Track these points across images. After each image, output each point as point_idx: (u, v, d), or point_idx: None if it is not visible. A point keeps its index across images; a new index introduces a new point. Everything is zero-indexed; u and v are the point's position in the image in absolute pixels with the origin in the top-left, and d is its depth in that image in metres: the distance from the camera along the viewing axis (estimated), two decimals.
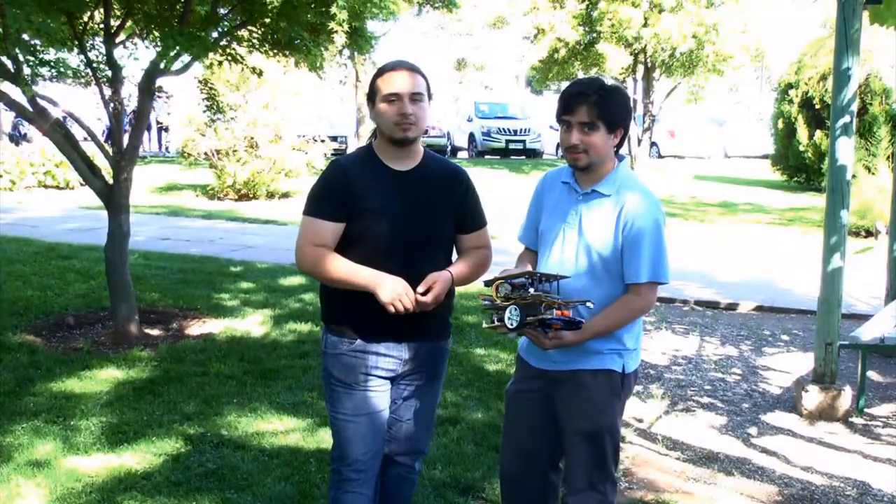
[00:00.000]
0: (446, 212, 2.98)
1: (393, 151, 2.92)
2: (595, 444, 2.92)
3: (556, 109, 2.89)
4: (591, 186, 2.89)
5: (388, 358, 2.94)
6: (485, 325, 2.87)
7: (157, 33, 6.48)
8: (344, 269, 2.84)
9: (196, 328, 6.74)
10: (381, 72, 2.90)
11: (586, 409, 2.90)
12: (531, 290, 2.72)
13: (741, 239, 12.45)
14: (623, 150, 2.99)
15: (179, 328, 6.72)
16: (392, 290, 2.78)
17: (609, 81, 2.88)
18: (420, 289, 2.82)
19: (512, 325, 2.73)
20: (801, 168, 18.56)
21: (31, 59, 5.90)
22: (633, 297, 2.86)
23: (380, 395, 2.98)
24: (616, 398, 2.94)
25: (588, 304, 2.76)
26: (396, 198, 2.89)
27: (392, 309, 2.78)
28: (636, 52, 21.34)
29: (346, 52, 22.12)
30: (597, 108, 2.77)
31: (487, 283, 2.86)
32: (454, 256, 3.09)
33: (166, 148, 27.60)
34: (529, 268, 2.91)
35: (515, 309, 2.72)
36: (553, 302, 2.71)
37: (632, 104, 2.89)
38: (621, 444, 4.61)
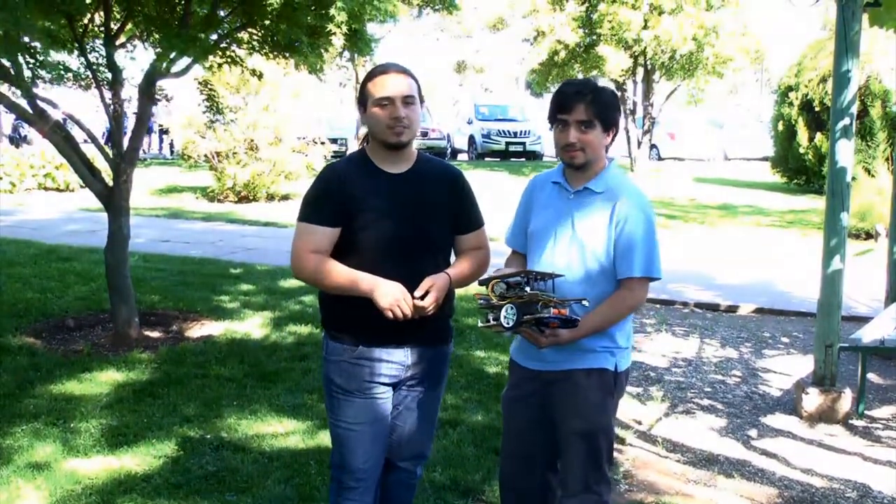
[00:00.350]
0: (443, 213, 2.96)
1: (386, 155, 2.90)
2: (590, 444, 2.92)
3: (549, 109, 2.92)
4: (583, 185, 2.92)
5: (391, 364, 2.91)
6: (480, 324, 2.86)
7: (157, 36, 6.48)
8: (342, 275, 2.81)
9: (196, 330, 6.73)
10: (371, 75, 2.88)
11: (581, 408, 2.91)
12: (527, 289, 2.72)
13: (741, 241, 12.45)
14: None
15: (179, 330, 6.72)
16: (390, 296, 2.75)
17: (599, 82, 2.95)
18: (417, 293, 2.79)
19: (508, 324, 2.72)
20: (801, 170, 18.57)
21: (31, 61, 5.91)
22: (625, 292, 2.88)
23: (382, 403, 2.95)
24: (609, 397, 2.96)
25: (584, 302, 2.77)
26: (392, 201, 2.87)
27: (390, 315, 2.76)
28: (636, 54, 21.35)
29: (347, 54, 22.14)
30: (593, 106, 2.83)
31: (482, 283, 2.86)
32: (452, 258, 3.08)
33: (170, 150, 27.59)
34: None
35: (512, 308, 2.72)
36: (549, 300, 2.71)
37: (621, 105, 2.94)
38: (622, 447, 4.63)
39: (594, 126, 2.84)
